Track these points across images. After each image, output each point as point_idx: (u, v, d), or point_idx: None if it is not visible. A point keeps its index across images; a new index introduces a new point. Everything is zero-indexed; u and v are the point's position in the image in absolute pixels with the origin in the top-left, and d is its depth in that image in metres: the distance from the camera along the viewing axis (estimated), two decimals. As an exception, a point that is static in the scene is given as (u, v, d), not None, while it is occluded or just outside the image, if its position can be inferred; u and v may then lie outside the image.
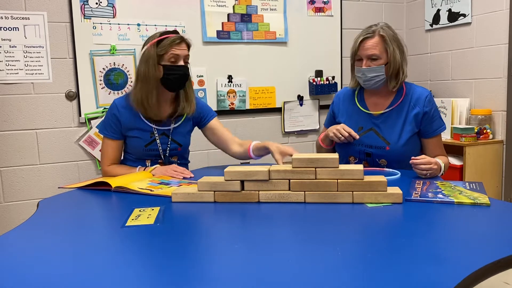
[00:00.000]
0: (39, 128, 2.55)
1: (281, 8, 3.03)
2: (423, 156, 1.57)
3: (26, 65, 2.49)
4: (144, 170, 1.81)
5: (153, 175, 1.73)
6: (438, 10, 3.14)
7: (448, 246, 0.91)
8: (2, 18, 2.42)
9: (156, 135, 1.86)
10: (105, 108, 2.64)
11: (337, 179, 1.27)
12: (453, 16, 3.02)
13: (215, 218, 1.20)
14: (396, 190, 1.27)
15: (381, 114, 1.82)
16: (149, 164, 1.87)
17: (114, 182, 1.53)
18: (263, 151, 1.87)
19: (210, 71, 2.89)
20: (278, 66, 3.05)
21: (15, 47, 2.46)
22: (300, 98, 3.14)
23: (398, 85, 1.79)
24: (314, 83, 3.10)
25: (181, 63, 1.80)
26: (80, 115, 2.62)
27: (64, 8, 2.54)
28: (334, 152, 1.90)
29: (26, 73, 2.49)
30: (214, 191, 1.32)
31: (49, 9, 2.51)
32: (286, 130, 3.12)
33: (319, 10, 3.14)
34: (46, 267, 0.87)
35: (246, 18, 2.94)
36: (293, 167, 1.29)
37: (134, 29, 2.68)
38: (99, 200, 1.46)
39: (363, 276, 0.78)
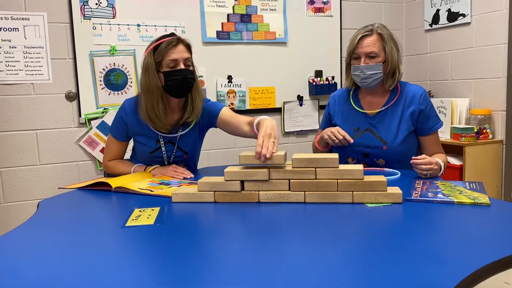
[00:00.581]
0: (39, 129, 2.55)
1: (280, 8, 3.03)
2: (423, 156, 1.57)
3: (26, 65, 2.49)
4: (143, 169, 1.81)
5: (153, 175, 1.73)
6: (438, 10, 3.14)
7: (448, 246, 0.91)
8: (2, 18, 2.42)
9: (162, 142, 1.80)
10: (105, 109, 2.64)
11: (337, 179, 1.27)
12: (452, 16, 3.02)
13: (215, 218, 1.20)
14: (396, 190, 1.27)
15: (376, 114, 1.82)
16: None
17: (114, 183, 1.53)
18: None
19: (210, 71, 2.89)
20: (278, 66, 3.05)
21: (15, 47, 2.46)
22: (300, 98, 3.14)
23: (394, 84, 1.79)
24: (314, 83, 3.11)
25: (181, 66, 1.70)
26: (80, 115, 2.62)
27: (64, 9, 2.54)
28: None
29: (26, 74, 2.49)
30: (214, 191, 1.32)
31: (49, 9, 2.51)
32: (286, 130, 3.12)
33: (318, 10, 3.14)
34: (46, 267, 0.87)
35: (245, 18, 2.94)
36: (293, 167, 1.29)
37: (134, 29, 2.68)
38: (99, 200, 1.46)
39: (363, 276, 0.78)
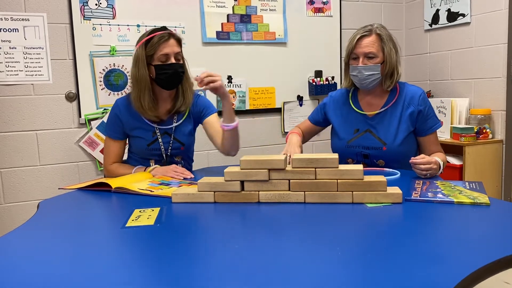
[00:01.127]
0: (39, 129, 2.55)
1: (280, 8, 3.03)
2: (422, 156, 1.57)
3: (26, 66, 2.49)
4: (144, 170, 1.81)
5: (153, 176, 1.73)
6: (437, 10, 3.14)
7: (448, 246, 0.92)
8: (2, 19, 2.42)
9: (158, 134, 1.86)
10: (105, 109, 2.64)
11: (337, 179, 1.27)
12: (452, 16, 3.02)
13: (215, 218, 1.21)
14: (396, 190, 1.27)
15: (376, 115, 1.82)
16: (153, 163, 1.87)
17: (114, 183, 1.53)
18: (226, 113, 1.79)
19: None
20: (277, 67, 3.05)
21: (15, 48, 2.46)
22: (300, 99, 3.14)
23: (392, 84, 1.79)
24: (314, 83, 3.11)
25: (172, 60, 1.76)
26: (80, 116, 2.62)
27: (64, 9, 2.54)
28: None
29: (26, 74, 2.49)
30: (214, 192, 1.32)
31: (49, 10, 2.51)
32: (286, 131, 3.12)
33: (318, 10, 3.14)
34: (47, 268, 0.87)
35: (245, 18, 2.94)
36: (293, 167, 1.29)
37: (134, 30, 2.68)
38: (99, 201, 1.46)
39: (363, 276, 0.78)
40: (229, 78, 2.94)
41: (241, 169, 1.30)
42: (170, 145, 1.87)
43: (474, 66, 2.90)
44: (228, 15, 2.90)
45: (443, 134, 2.90)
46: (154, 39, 1.74)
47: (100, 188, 1.57)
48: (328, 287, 0.75)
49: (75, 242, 1.04)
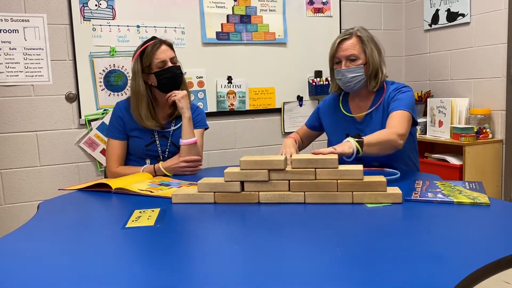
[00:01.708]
0: (39, 130, 2.55)
1: (280, 9, 3.03)
2: (324, 150, 1.43)
3: (26, 67, 2.49)
4: (153, 169, 1.84)
5: (164, 168, 1.80)
6: (437, 10, 3.14)
7: (448, 246, 0.92)
8: (2, 20, 2.42)
9: (156, 136, 1.91)
10: (105, 110, 2.65)
11: (337, 180, 1.27)
12: (452, 16, 3.02)
13: (215, 219, 1.21)
14: (395, 190, 1.27)
15: (364, 118, 1.82)
16: (148, 162, 1.90)
17: (114, 184, 1.53)
18: (182, 129, 1.85)
19: (210, 72, 2.89)
20: (277, 67, 3.06)
21: (15, 49, 2.46)
22: (300, 99, 3.14)
23: (377, 85, 1.78)
24: (314, 83, 3.11)
25: (169, 64, 1.85)
26: (80, 116, 2.62)
27: (64, 10, 2.54)
28: None
29: (26, 75, 2.49)
30: (214, 192, 1.32)
31: (49, 11, 2.51)
32: (286, 131, 3.12)
33: (318, 10, 3.14)
34: (47, 268, 0.87)
35: (245, 19, 2.94)
36: (292, 168, 1.29)
37: (134, 30, 2.68)
38: (99, 201, 1.46)
39: (363, 276, 0.78)
40: (229, 79, 2.94)
41: (241, 169, 1.30)
42: (167, 148, 1.92)
43: (474, 66, 2.90)
44: (228, 16, 2.90)
45: (443, 134, 2.90)
46: (148, 50, 1.84)
47: (100, 189, 1.57)
48: (328, 287, 0.75)
49: (75, 242, 1.04)
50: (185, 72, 1.95)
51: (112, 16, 2.64)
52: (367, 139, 1.52)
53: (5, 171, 2.51)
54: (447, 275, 0.77)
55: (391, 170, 1.71)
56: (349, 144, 1.49)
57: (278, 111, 3.11)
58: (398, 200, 1.24)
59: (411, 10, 3.39)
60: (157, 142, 1.91)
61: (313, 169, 1.28)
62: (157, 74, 1.84)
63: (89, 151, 2.65)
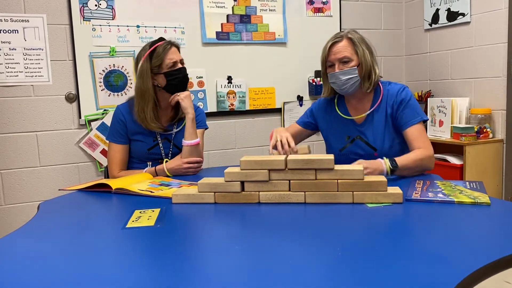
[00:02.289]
0: (39, 130, 2.55)
1: (280, 8, 3.03)
2: (359, 161, 1.52)
3: (26, 67, 2.49)
4: (155, 169, 1.85)
5: (167, 168, 1.81)
6: (437, 10, 3.14)
7: (449, 246, 0.91)
8: (1, 20, 2.42)
9: (159, 139, 1.91)
10: (105, 110, 2.64)
11: (337, 180, 1.27)
12: (452, 15, 3.02)
13: (216, 219, 1.21)
14: (396, 190, 1.27)
15: (364, 121, 1.79)
16: (150, 165, 1.89)
17: (114, 184, 1.53)
18: (186, 129, 1.87)
19: (210, 72, 2.89)
20: (277, 67, 3.05)
21: (15, 49, 2.46)
22: (300, 99, 3.14)
23: (371, 86, 1.75)
24: (314, 83, 3.11)
25: (179, 66, 1.86)
26: (80, 117, 2.62)
27: (64, 11, 2.54)
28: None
29: (26, 76, 2.49)
30: (214, 192, 1.32)
31: (49, 11, 2.51)
32: (286, 131, 3.12)
33: (318, 10, 3.14)
34: (47, 269, 0.87)
35: (245, 19, 2.94)
36: (288, 169, 1.28)
37: (134, 30, 2.68)
38: (99, 202, 1.46)
39: (363, 276, 0.78)
40: (229, 79, 2.94)
41: (241, 169, 1.30)
42: (170, 150, 1.92)
43: (474, 65, 2.90)
44: (227, 16, 2.90)
45: (444, 134, 2.90)
46: (159, 50, 1.83)
47: (100, 189, 1.57)
48: (328, 287, 0.75)
49: (76, 243, 1.04)
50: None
51: (112, 16, 2.64)
52: (401, 162, 1.55)
53: (5, 172, 2.51)
54: (447, 275, 0.77)
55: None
56: (381, 166, 1.52)
57: (278, 111, 3.10)
58: (398, 200, 1.24)
59: (411, 9, 3.39)
60: (160, 145, 1.91)
61: (314, 169, 1.27)
62: (167, 74, 1.83)
63: (89, 151, 2.65)
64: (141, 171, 1.84)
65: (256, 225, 1.13)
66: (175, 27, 2.76)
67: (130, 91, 2.70)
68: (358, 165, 1.33)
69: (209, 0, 2.84)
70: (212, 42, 2.87)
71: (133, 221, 1.17)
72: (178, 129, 1.94)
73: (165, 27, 2.74)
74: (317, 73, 3.15)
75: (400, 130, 1.75)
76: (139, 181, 1.63)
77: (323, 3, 3.15)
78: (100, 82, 2.63)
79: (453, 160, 2.75)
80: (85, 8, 2.57)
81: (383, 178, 1.28)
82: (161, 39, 1.88)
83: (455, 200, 1.23)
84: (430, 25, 3.21)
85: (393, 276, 0.77)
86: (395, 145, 1.77)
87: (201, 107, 2.80)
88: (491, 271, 0.82)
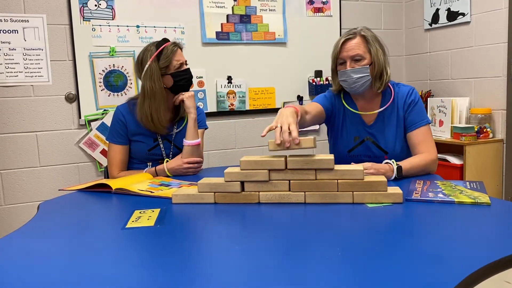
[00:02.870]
0: (39, 131, 2.55)
1: (280, 8, 3.03)
2: (367, 165, 1.50)
3: (26, 67, 2.49)
4: (155, 170, 1.85)
5: (167, 168, 1.81)
6: (437, 10, 3.14)
7: (449, 246, 0.91)
8: (1, 20, 2.42)
9: (160, 139, 1.91)
10: (105, 110, 2.64)
11: (337, 180, 1.27)
12: (452, 15, 3.02)
13: (216, 219, 1.20)
14: (396, 190, 1.27)
15: (374, 123, 1.77)
16: (150, 165, 1.89)
17: (114, 184, 1.53)
18: (188, 129, 1.88)
19: (210, 72, 2.89)
20: (277, 67, 3.05)
21: (15, 49, 2.46)
22: (300, 99, 3.14)
23: (382, 86, 1.72)
24: (314, 83, 3.11)
25: (185, 66, 1.89)
26: (80, 117, 2.62)
27: (63, 11, 2.54)
28: None
29: (26, 76, 2.49)
30: (214, 192, 1.32)
31: (48, 11, 2.51)
32: (286, 131, 3.11)
33: (318, 10, 3.14)
34: (47, 269, 0.87)
35: (245, 19, 2.94)
36: (288, 169, 1.28)
37: (134, 30, 2.68)
38: (99, 202, 1.46)
39: (363, 276, 0.78)
40: (229, 79, 2.94)
41: (241, 169, 1.30)
42: (171, 151, 1.93)
43: (474, 65, 2.90)
44: (227, 16, 2.90)
45: (444, 134, 2.90)
46: (167, 51, 1.83)
47: (100, 189, 1.57)
48: (328, 287, 0.75)
49: (76, 243, 1.03)
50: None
51: (111, 16, 2.63)
52: (405, 168, 1.56)
53: (5, 172, 2.51)
54: (448, 275, 0.77)
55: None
56: (389, 172, 1.52)
57: (278, 111, 3.10)
58: (398, 200, 1.24)
59: (411, 9, 3.39)
60: (161, 145, 1.91)
61: (314, 169, 1.27)
62: (175, 75, 1.85)
63: (89, 151, 2.65)
64: (141, 171, 1.84)
65: (256, 225, 1.13)
66: (175, 27, 2.76)
67: (130, 91, 2.70)
68: (358, 165, 1.32)
69: (209, 0, 2.84)
70: (212, 42, 2.87)
71: (133, 221, 1.17)
72: (178, 130, 1.94)
73: (165, 27, 2.74)
74: (317, 73, 3.15)
75: (405, 132, 1.75)
76: (139, 181, 1.62)
77: (323, 3, 3.15)
78: (100, 82, 2.63)
79: (453, 160, 2.75)
80: (85, 8, 2.57)
81: (383, 178, 1.27)
82: (165, 40, 1.88)
83: (455, 200, 1.23)
84: (430, 25, 3.21)
85: (393, 276, 0.77)
86: (405, 148, 1.76)
87: (201, 107, 2.80)
88: (491, 271, 0.82)
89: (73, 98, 2.60)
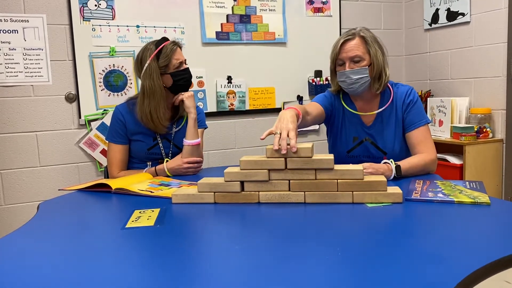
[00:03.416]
0: (39, 131, 2.55)
1: (280, 8, 3.03)
2: (365, 165, 1.50)
3: (26, 67, 2.49)
4: (154, 170, 1.85)
5: (167, 168, 1.81)
6: (437, 10, 3.14)
7: (449, 246, 0.91)
8: (1, 20, 2.42)
9: (159, 139, 1.91)
10: (105, 110, 2.64)
11: (337, 179, 1.27)
12: (452, 15, 3.02)
13: (215, 219, 1.20)
14: (396, 189, 1.27)
15: (373, 123, 1.77)
16: (150, 165, 1.89)
17: (114, 184, 1.53)
18: (188, 129, 1.88)
19: (210, 72, 2.89)
20: (277, 67, 3.05)
21: (15, 49, 2.46)
22: (300, 99, 3.14)
23: (381, 87, 1.72)
24: (314, 83, 3.11)
25: (185, 66, 1.88)
26: (80, 117, 2.62)
27: (63, 11, 2.54)
28: None
29: (26, 76, 2.49)
30: (214, 192, 1.32)
31: (48, 11, 2.51)
32: (286, 131, 3.11)
33: (318, 10, 3.14)
34: (47, 269, 0.87)
35: (245, 19, 2.94)
36: (288, 169, 1.28)
37: (133, 30, 2.68)
38: (99, 202, 1.46)
39: (363, 276, 0.78)
40: (229, 79, 2.94)
41: (241, 169, 1.30)
42: (170, 150, 1.93)
43: (474, 65, 2.90)
44: (227, 16, 2.90)
45: (444, 134, 2.90)
46: (166, 50, 1.82)
47: (100, 189, 1.57)
48: (328, 287, 0.75)
49: (75, 243, 1.03)
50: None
51: (111, 16, 2.64)
52: (404, 169, 1.56)
53: (5, 172, 2.51)
54: (447, 275, 0.77)
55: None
56: (387, 172, 1.52)
57: (278, 111, 3.10)
58: (398, 200, 1.24)
59: (411, 9, 3.39)
60: (160, 144, 1.91)
61: (313, 169, 1.27)
62: (174, 74, 1.84)
63: (89, 151, 2.65)
64: (141, 171, 1.84)
65: (256, 225, 1.13)
66: (175, 27, 2.76)
67: (130, 91, 2.70)
68: (357, 165, 1.32)
69: (209, 0, 2.84)
70: (212, 42, 2.87)
71: (132, 221, 1.17)
72: (177, 129, 1.94)
73: (165, 27, 2.74)
74: (317, 73, 3.15)
75: (404, 132, 1.75)
76: (139, 181, 1.62)
77: (323, 3, 3.15)
78: (100, 82, 2.63)
79: (453, 160, 2.75)
80: (85, 8, 2.57)
81: (382, 178, 1.27)
82: (165, 39, 1.87)
83: (455, 200, 1.23)
84: (430, 25, 3.21)
85: (393, 276, 0.77)
86: (404, 148, 1.76)
87: (201, 107, 2.80)
88: (491, 271, 0.82)
89: (73, 98, 2.60)
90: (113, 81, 2.67)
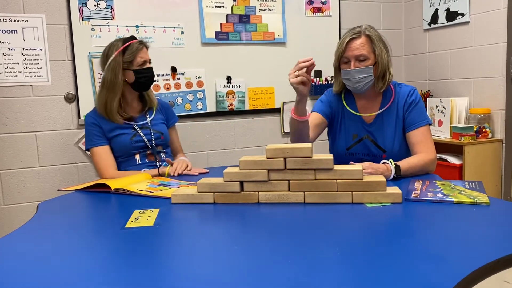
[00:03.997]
0: (38, 131, 2.55)
1: (279, 8, 3.03)
2: (365, 165, 1.50)
3: (25, 67, 2.48)
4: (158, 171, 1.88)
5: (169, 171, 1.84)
6: (436, 10, 3.14)
7: (448, 246, 0.91)
8: (0, 20, 2.42)
9: (137, 128, 1.99)
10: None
11: (336, 180, 1.27)
12: (451, 15, 3.02)
13: (215, 219, 1.20)
14: (395, 190, 1.27)
15: (373, 121, 1.78)
16: (139, 158, 1.96)
17: (113, 184, 1.53)
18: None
19: (209, 72, 2.89)
20: (277, 67, 3.05)
21: (14, 49, 2.46)
22: (299, 99, 3.13)
23: (385, 86, 1.73)
24: (313, 83, 3.11)
25: (148, 65, 1.97)
26: (79, 117, 2.62)
27: (63, 11, 2.54)
28: (307, 126, 1.70)
29: (25, 76, 2.49)
30: (214, 192, 1.32)
31: (48, 11, 2.51)
32: (285, 131, 3.12)
33: (317, 10, 3.14)
34: (46, 269, 0.87)
35: (244, 19, 2.94)
36: (287, 169, 1.28)
37: (133, 31, 2.68)
38: (98, 202, 1.46)
39: (363, 276, 0.78)
40: (228, 79, 2.94)
41: (241, 169, 1.30)
42: (152, 136, 2.00)
43: (473, 65, 2.90)
44: (227, 16, 2.90)
45: (443, 134, 2.90)
46: (133, 47, 1.93)
47: (99, 189, 1.57)
48: (328, 287, 0.75)
49: (75, 243, 1.03)
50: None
51: (111, 16, 2.63)
52: (404, 169, 1.56)
53: (4, 172, 2.51)
54: (447, 275, 0.77)
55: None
56: (387, 172, 1.53)
57: (277, 111, 3.10)
58: (398, 200, 1.24)
59: (411, 9, 3.39)
60: (140, 132, 1.98)
61: (313, 169, 1.27)
62: (137, 71, 1.93)
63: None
64: (139, 172, 1.84)
65: (255, 225, 1.13)
66: (174, 27, 2.76)
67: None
68: (357, 165, 1.32)
69: (208, 0, 2.84)
70: (211, 42, 2.87)
71: (132, 221, 1.17)
72: (151, 118, 2.04)
73: (164, 27, 2.74)
74: (317, 73, 3.15)
75: (404, 131, 1.75)
76: (138, 181, 1.63)
77: (322, 3, 3.15)
78: (99, 82, 2.63)
79: (453, 160, 2.75)
80: (84, 8, 2.57)
81: (382, 178, 1.27)
82: (133, 37, 1.97)
83: (455, 200, 1.23)
84: (430, 25, 3.21)
85: (393, 276, 0.77)
86: (403, 147, 1.76)
87: (200, 107, 2.79)
88: (490, 271, 0.82)
89: (73, 98, 2.60)
90: (113, 81, 2.66)
